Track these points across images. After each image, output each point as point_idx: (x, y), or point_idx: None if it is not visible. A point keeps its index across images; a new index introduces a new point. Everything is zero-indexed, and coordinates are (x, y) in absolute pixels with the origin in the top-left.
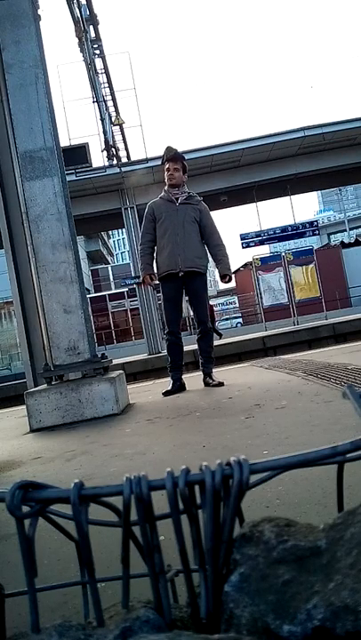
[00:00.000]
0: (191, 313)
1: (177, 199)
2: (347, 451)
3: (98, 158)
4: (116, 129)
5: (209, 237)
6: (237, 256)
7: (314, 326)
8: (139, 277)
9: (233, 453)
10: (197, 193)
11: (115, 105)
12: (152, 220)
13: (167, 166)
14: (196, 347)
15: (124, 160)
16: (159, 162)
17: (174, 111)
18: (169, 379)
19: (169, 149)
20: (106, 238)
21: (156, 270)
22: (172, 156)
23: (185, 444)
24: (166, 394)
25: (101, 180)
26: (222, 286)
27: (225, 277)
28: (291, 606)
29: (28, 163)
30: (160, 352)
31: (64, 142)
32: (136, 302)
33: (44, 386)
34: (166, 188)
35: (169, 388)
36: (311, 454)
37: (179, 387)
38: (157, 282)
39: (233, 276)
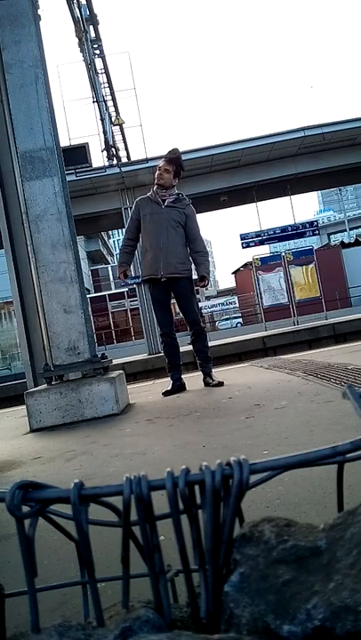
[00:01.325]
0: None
1: (163, 201)
2: (347, 451)
3: (98, 158)
4: (116, 129)
5: (191, 242)
6: (237, 256)
7: (314, 326)
8: (139, 277)
9: (233, 453)
10: (197, 193)
11: (115, 105)
12: (136, 218)
13: (160, 164)
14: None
15: (124, 160)
16: (159, 162)
17: (174, 111)
18: (169, 379)
19: (173, 151)
20: (106, 238)
21: (141, 271)
22: (168, 157)
23: (185, 444)
24: (166, 394)
25: (101, 180)
26: (222, 286)
27: (203, 280)
28: (291, 606)
29: (28, 163)
30: (160, 352)
31: (64, 142)
32: (136, 302)
33: (44, 386)
34: (155, 187)
35: (169, 388)
36: (311, 454)
37: (179, 387)
38: (137, 281)
39: (214, 280)
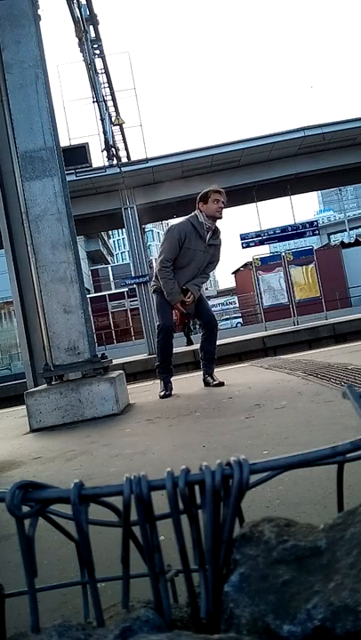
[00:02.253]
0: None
1: (207, 235)
2: (347, 451)
3: (98, 158)
4: (116, 129)
5: (207, 267)
6: (237, 256)
7: (314, 326)
8: (139, 277)
9: (233, 453)
10: (197, 193)
11: (115, 105)
12: (181, 245)
13: (217, 197)
14: (195, 347)
15: (124, 160)
16: (159, 162)
17: (174, 111)
18: (160, 383)
19: (216, 188)
20: (106, 238)
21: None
22: (221, 190)
23: (185, 444)
24: (164, 397)
25: (101, 180)
26: (222, 286)
27: (187, 292)
28: (291, 606)
29: (28, 163)
30: None
31: (64, 142)
32: (136, 302)
33: (44, 386)
34: (204, 217)
35: (164, 391)
36: (311, 454)
37: (171, 389)
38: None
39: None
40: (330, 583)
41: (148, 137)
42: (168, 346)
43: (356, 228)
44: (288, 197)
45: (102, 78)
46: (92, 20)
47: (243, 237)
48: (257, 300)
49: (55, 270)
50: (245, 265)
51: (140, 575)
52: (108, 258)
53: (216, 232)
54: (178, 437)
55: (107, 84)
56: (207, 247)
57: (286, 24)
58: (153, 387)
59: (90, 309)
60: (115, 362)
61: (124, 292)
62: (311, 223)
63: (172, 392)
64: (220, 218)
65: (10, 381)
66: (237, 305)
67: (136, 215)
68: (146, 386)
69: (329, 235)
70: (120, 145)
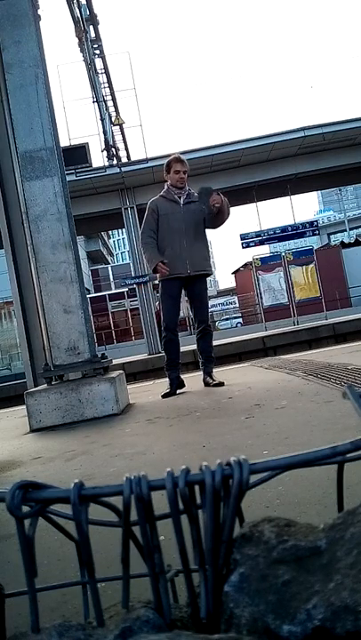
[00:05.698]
0: (190, 313)
1: (180, 197)
2: (347, 451)
3: (98, 158)
4: (116, 129)
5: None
6: (237, 256)
7: (314, 326)
8: (139, 277)
9: (233, 453)
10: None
11: (115, 105)
12: (156, 217)
13: (178, 168)
14: (195, 346)
15: (124, 160)
16: (159, 162)
17: (174, 111)
18: (166, 379)
19: (176, 157)
20: (106, 238)
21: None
22: (181, 158)
23: (185, 444)
24: (165, 396)
25: (101, 180)
26: (222, 286)
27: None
28: (291, 606)
29: (28, 163)
30: (160, 352)
31: (64, 142)
32: (136, 302)
33: (44, 386)
34: (169, 186)
35: (167, 390)
36: (311, 454)
37: (177, 385)
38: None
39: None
40: (330, 583)
41: (148, 137)
42: (174, 345)
43: (357, 227)
44: (288, 197)
45: (102, 78)
46: (92, 20)
47: (243, 237)
48: (257, 300)
49: (55, 270)
50: (245, 265)
51: (140, 575)
52: (108, 258)
53: (190, 194)
54: (178, 437)
55: (107, 84)
56: (185, 206)
57: (287, 24)
58: (153, 387)
59: (90, 309)
60: (115, 362)
61: (124, 292)
62: (311, 223)
63: (180, 386)
64: (182, 186)
65: (10, 381)
66: (237, 305)
67: (136, 215)
68: (146, 386)
69: (329, 235)
70: (120, 145)
